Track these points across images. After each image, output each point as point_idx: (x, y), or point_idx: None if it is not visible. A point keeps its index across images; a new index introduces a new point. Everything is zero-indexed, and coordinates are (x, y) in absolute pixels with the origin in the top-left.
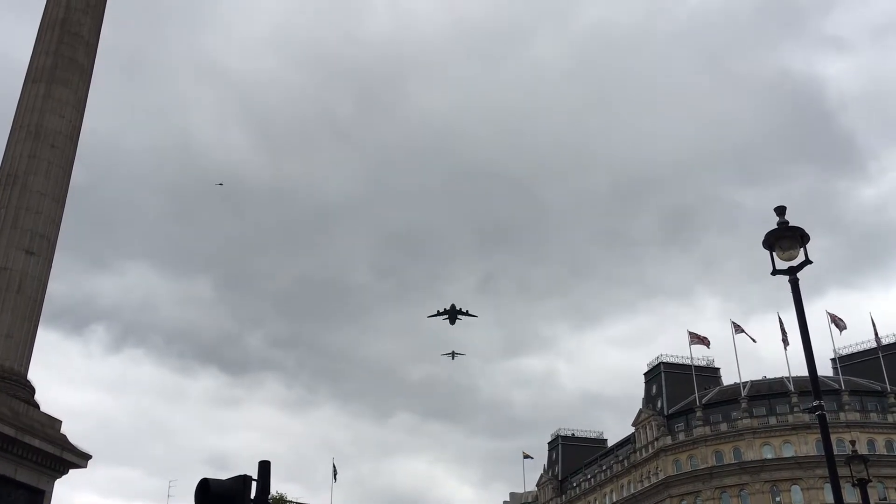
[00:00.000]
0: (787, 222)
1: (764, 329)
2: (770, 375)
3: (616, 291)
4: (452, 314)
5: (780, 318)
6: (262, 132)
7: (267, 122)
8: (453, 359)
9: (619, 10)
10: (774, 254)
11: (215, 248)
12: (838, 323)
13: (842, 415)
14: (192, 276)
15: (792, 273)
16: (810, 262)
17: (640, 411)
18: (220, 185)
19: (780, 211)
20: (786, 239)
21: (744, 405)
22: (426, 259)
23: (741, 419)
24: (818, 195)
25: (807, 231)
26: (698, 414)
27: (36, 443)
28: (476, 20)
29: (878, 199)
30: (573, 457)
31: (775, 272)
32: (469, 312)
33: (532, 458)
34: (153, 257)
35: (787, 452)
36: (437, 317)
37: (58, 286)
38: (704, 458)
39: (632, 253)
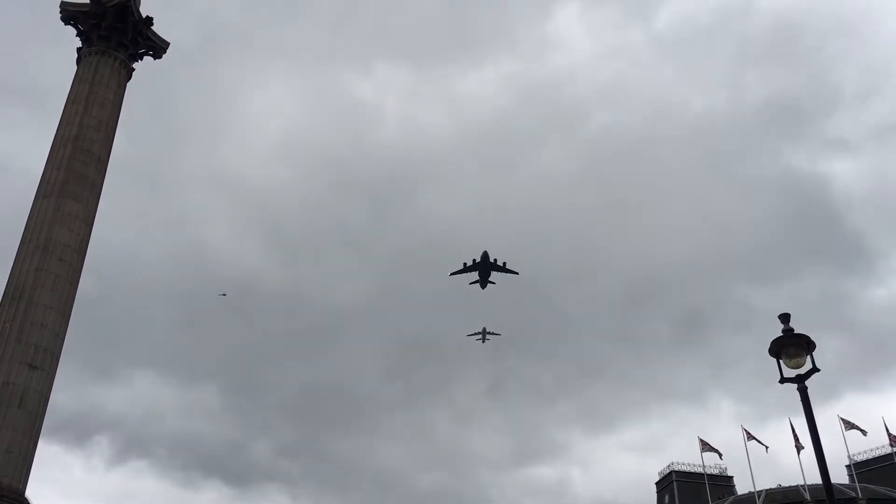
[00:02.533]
0: (793, 329)
1: (778, 434)
2: (785, 483)
3: (628, 394)
4: (484, 272)
5: (791, 424)
6: (274, 240)
7: (279, 229)
8: (484, 342)
9: (625, 116)
10: (781, 361)
11: (224, 355)
12: (855, 428)
13: None
14: (199, 385)
15: (800, 381)
16: (818, 370)
17: None
18: (224, 295)
19: (785, 318)
20: (792, 346)
21: None
22: (435, 363)
23: None
24: (829, 295)
25: (819, 332)
26: None
27: None
28: (484, 128)
29: (891, 299)
30: None
31: (783, 380)
32: (508, 267)
33: None
34: (161, 366)
35: None
36: (464, 273)
37: (61, 397)
38: None
39: (644, 354)
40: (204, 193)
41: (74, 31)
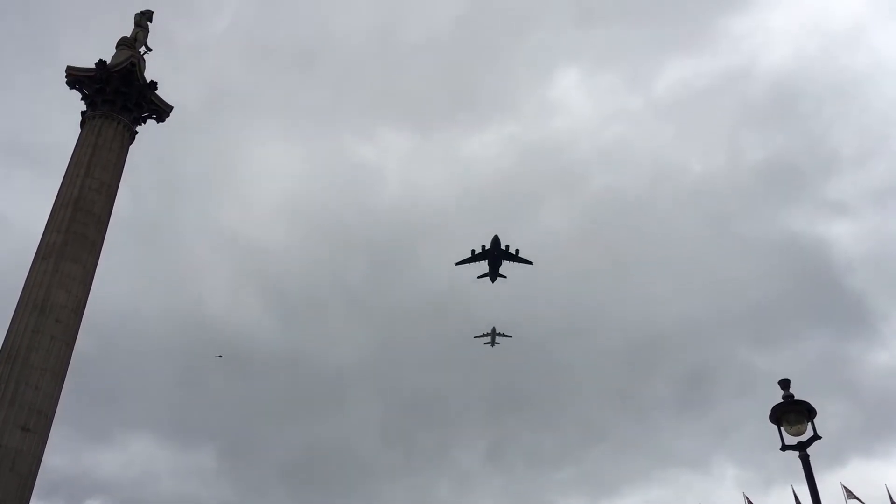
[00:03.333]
0: (793, 396)
1: (781, 501)
2: None
3: (630, 459)
4: (494, 260)
5: (794, 492)
6: (273, 299)
7: (279, 289)
8: (493, 345)
9: (625, 177)
10: (783, 428)
11: (222, 416)
12: (855, 498)
13: None
14: (195, 446)
15: (801, 449)
16: (819, 438)
17: None
18: (220, 356)
19: (785, 384)
20: (793, 413)
21: None
22: (434, 426)
23: None
24: (832, 358)
25: (822, 396)
26: None
27: None
28: (485, 189)
29: (893, 363)
30: None
31: (784, 448)
32: (521, 256)
33: None
34: (157, 427)
35: None
36: (471, 263)
37: (55, 459)
38: None
39: (646, 417)
40: (204, 253)
41: (80, 95)
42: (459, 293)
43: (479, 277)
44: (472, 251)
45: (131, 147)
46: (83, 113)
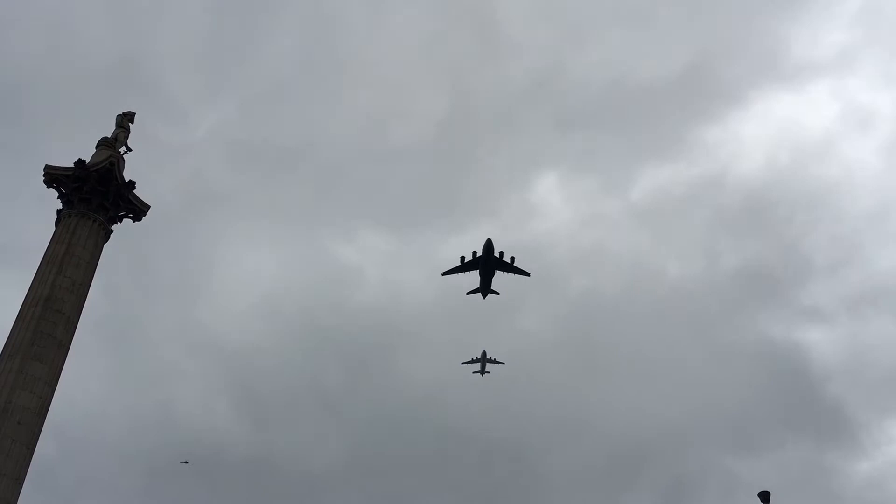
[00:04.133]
0: None
1: None
2: None
3: None
4: (486, 270)
5: None
6: (246, 402)
7: (252, 391)
8: (483, 374)
9: (604, 281)
10: None
11: None
12: None
13: None
14: None
15: None
16: None
17: None
18: (185, 462)
19: (765, 497)
20: None
21: None
22: None
23: None
24: (814, 466)
25: None
26: None
27: None
28: (462, 292)
29: (875, 473)
30: None
31: None
32: (517, 266)
33: None
34: None
35: None
36: (459, 273)
37: None
38: None
39: None
40: (176, 353)
41: (56, 193)
42: (440, 395)
43: (468, 294)
44: (462, 258)
45: (107, 245)
46: (59, 211)
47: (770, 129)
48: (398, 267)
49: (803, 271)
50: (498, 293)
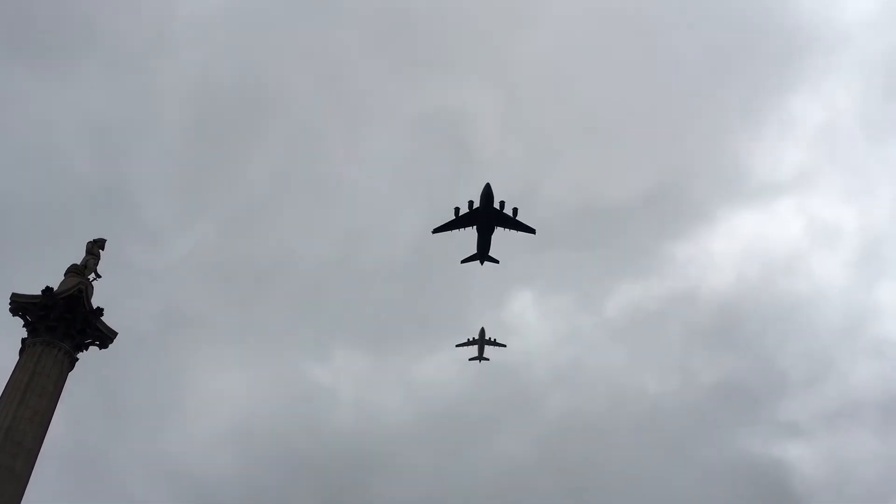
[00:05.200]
0: None
1: None
2: None
3: None
4: (485, 223)
5: None
6: None
7: None
8: (481, 360)
9: (581, 399)
10: None
11: None
12: None
13: None
14: None
15: None
16: None
17: None
18: None
19: None
20: None
21: None
22: None
23: None
24: None
25: None
26: None
27: None
28: (440, 412)
29: None
30: None
31: None
32: (520, 221)
33: None
34: None
35: None
36: (453, 230)
37: None
38: None
39: None
40: (142, 484)
41: (22, 321)
42: None
43: (463, 262)
44: (457, 210)
45: (72, 373)
46: (23, 340)
47: (738, 245)
48: (373, 387)
49: (779, 386)
50: (497, 261)
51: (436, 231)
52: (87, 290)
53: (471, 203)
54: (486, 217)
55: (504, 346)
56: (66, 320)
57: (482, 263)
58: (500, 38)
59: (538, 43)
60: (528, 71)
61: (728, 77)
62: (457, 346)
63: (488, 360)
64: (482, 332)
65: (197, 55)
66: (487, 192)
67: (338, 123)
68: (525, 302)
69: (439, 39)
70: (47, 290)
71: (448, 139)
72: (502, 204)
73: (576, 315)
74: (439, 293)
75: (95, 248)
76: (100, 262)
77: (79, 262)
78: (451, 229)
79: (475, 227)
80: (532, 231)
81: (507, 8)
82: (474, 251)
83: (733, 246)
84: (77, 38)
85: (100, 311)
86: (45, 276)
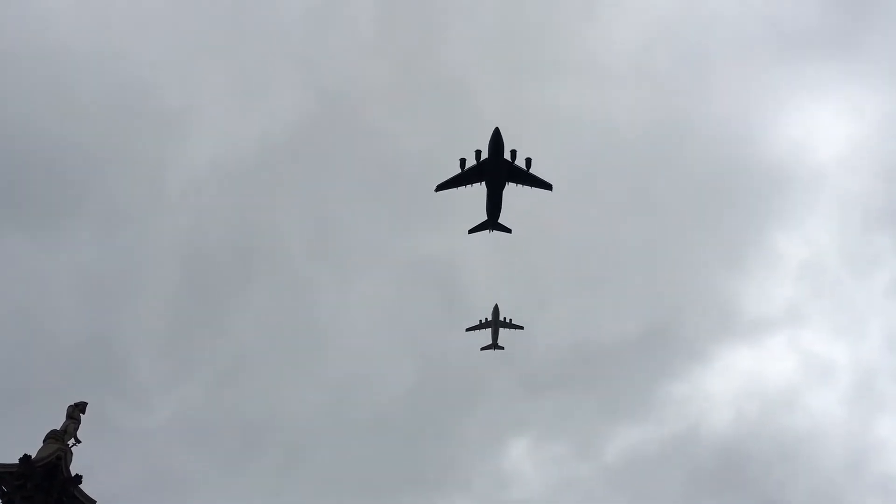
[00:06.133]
0: None
1: None
2: None
3: None
4: (495, 177)
5: None
6: None
7: None
8: (495, 347)
9: None
10: None
11: None
12: None
13: None
14: None
15: None
16: None
17: None
18: None
19: None
20: None
21: None
22: None
23: None
24: None
25: None
26: None
27: None
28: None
29: None
30: None
31: None
32: (534, 174)
33: None
34: None
35: None
36: (459, 186)
37: None
38: None
39: None
40: None
41: None
42: None
43: (471, 232)
44: (462, 162)
45: None
46: None
47: (735, 382)
48: None
49: None
50: (510, 230)
51: (439, 188)
52: (66, 456)
53: (478, 153)
54: (495, 170)
55: (521, 328)
56: (43, 489)
57: (491, 231)
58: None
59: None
60: (515, 215)
61: (711, 217)
62: (467, 329)
63: (503, 348)
64: (496, 310)
65: (188, 210)
66: (496, 140)
67: (326, 272)
68: (521, 450)
69: (427, 187)
70: (25, 458)
71: (438, 285)
72: (513, 154)
73: (573, 462)
74: (433, 443)
75: (76, 412)
76: (81, 424)
77: (59, 428)
78: (456, 185)
79: (483, 182)
80: (549, 187)
81: None
82: (475, 223)
83: (730, 384)
84: (71, 197)
85: (78, 478)
86: (25, 440)
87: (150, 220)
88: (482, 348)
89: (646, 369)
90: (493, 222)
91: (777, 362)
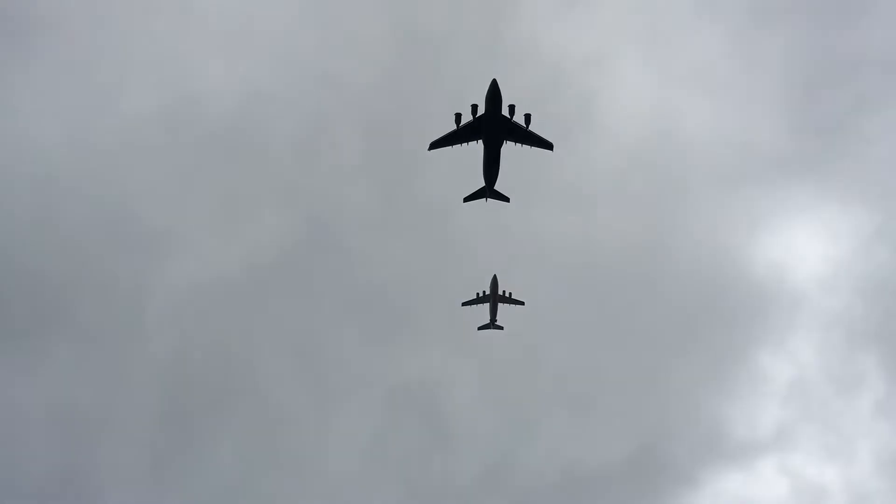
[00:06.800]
0: None
1: None
2: None
3: None
4: (493, 136)
5: None
6: None
7: None
8: (493, 325)
9: None
10: None
11: None
12: None
13: None
14: None
15: None
16: None
17: None
18: None
19: None
20: None
21: None
22: None
23: None
24: None
25: None
26: None
27: None
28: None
29: None
30: None
31: None
32: (533, 131)
33: None
34: None
35: None
36: (453, 144)
37: None
38: None
39: None
40: None
41: None
42: None
43: (466, 200)
44: (457, 117)
45: None
46: None
47: None
48: None
49: None
50: (508, 199)
51: (433, 146)
52: None
53: (474, 108)
54: (493, 126)
55: (522, 303)
56: None
57: (487, 200)
58: (468, 313)
59: (509, 310)
60: (499, 339)
61: (695, 337)
62: (463, 304)
63: (502, 328)
64: (494, 282)
65: (167, 335)
66: (494, 92)
67: (307, 399)
68: None
69: (410, 308)
70: None
71: (421, 412)
72: (512, 109)
73: None
74: None
75: None
76: None
77: None
78: (451, 143)
79: (480, 140)
80: (549, 146)
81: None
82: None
83: None
84: (44, 322)
85: None
86: None
87: (127, 347)
88: (479, 328)
89: (634, 496)
90: (489, 189)
91: (768, 488)
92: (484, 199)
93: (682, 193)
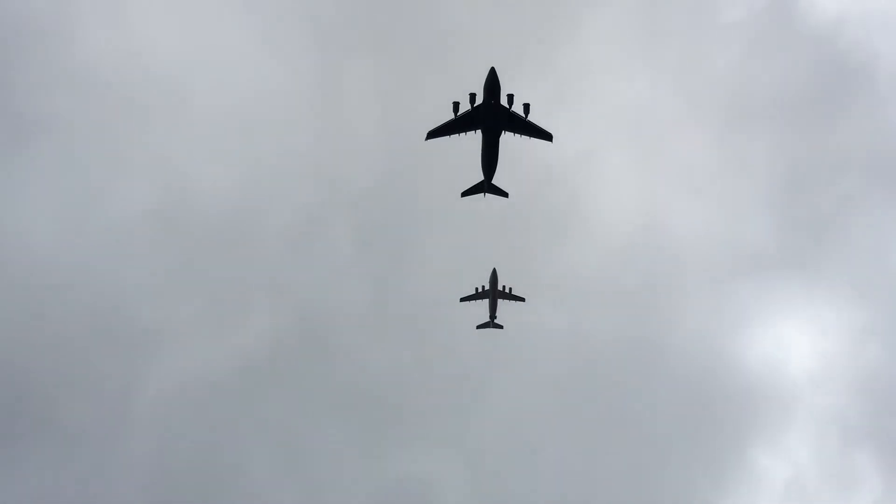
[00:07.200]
0: None
1: None
2: None
3: None
4: (492, 125)
5: None
6: None
7: None
8: (493, 324)
9: None
10: None
11: None
12: None
13: None
14: None
15: None
16: None
17: None
18: None
19: None
20: None
21: None
22: None
23: None
24: None
25: None
26: None
27: None
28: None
29: None
30: None
31: None
32: (532, 122)
33: None
34: None
35: None
36: (448, 133)
37: None
38: None
39: None
40: None
41: None
42: None
43: (464, 195)
44: (455, 106)
45: None
46: None
47: None
48: None
49: None
50: (506, 194)
51: (431, 135)
52: None
53: (472, 97)
54: (490, 115)
55: (523, 299)
56: None
57: (486, 195)
58: (459, 410)
59: (492, 402)
60: (489, 437)
61: (690, 436)
62: (462, 299)
63: (502, 327)
64: (493, 276)
65: (153, 433)
66: (492, 81)
67: (295, 499)
68: None
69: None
70: None
71: None
72: (510, 98)
73: None
74: None
75: None
76: None
77: None
78: (448, 133)
79: (478, 130)
80: (549, 137)
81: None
82: (470, 182)
83: None
84: (29, 419)
85: None
86: None
87: (113, 444)
88: (478, 326)
89: None
90: (488, 183)
91: None
92: (482, 193)
93: (673, 289)
